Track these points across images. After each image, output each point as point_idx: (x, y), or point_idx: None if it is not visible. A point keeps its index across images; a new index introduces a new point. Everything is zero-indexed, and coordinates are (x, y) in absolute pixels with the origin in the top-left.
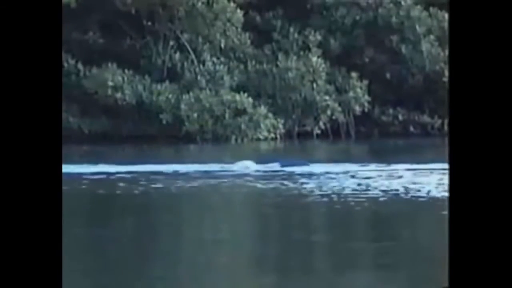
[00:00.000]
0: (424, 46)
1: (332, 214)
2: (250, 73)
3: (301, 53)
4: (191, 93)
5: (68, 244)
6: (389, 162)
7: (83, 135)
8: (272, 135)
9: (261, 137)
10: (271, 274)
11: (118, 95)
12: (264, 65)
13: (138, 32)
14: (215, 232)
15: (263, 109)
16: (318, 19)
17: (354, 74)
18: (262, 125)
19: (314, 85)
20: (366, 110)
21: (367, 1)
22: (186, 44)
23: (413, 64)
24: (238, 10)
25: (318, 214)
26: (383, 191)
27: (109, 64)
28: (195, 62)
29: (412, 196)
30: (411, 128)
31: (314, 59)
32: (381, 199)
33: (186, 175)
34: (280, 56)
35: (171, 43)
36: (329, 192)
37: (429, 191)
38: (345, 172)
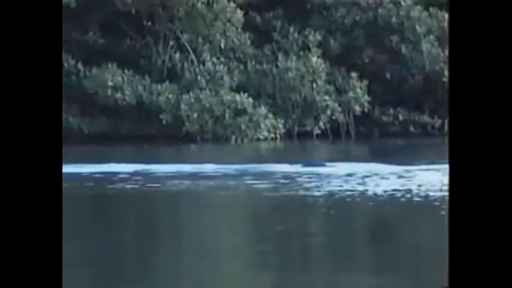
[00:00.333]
0: (424, 46)
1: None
2: (250, 73)
3: (301, 53)
4: (191, 93)
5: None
6: (392, 162)
7: (83, 135)
8: (272, 135)
9: (261, 137)
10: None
11: (118, 95)
12: (264, 65)
13: (138, 32)
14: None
15: (263, 109)
16: (318, 19)
17: (354, 74)
18: (262, 125)
19: (314, 85)
20: (366, 110)
21: (367, 1)
22: (186, 44)
23: (413, 64)
24: (238, 10)
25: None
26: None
27: (109, 64)
28: (195, 62)
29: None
30: (411, 128)
31: (314, 59)
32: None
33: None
34: (280, 56)
35: (171, 43)
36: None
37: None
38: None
